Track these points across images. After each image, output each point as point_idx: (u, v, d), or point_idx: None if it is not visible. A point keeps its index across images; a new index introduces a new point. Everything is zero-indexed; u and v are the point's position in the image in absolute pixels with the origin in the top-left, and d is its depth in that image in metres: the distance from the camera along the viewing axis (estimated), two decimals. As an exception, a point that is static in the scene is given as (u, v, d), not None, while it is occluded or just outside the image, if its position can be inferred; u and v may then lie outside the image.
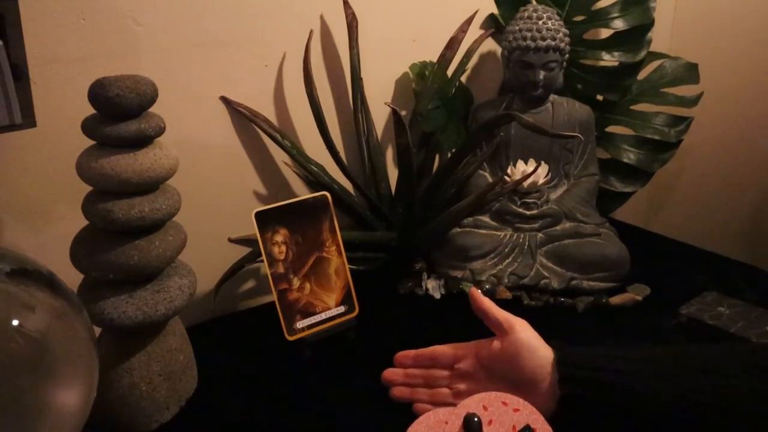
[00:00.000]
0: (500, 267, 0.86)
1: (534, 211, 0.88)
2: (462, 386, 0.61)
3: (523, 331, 0.58)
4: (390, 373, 0.65)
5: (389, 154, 0.98)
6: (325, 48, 0.88)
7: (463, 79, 1.00)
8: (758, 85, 1.11)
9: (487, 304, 0.61)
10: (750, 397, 0.51)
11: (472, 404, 0.52)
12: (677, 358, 0.55)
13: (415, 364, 0.65)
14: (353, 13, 0.86)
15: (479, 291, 0.62)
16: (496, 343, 0.59)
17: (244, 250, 0.82)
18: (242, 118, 0.81)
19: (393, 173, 0.97)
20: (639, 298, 0.83)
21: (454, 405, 0.53)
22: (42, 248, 0.68)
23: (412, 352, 0.65)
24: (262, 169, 0.86)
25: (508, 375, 0.57)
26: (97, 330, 0.59)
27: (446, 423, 0.51)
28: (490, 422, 0.51)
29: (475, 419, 0.50)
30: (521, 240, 0.87)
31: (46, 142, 0.67)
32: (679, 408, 0.51)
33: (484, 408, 0.52)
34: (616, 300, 0.82)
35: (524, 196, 0.89)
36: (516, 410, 0.52)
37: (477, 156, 0.91)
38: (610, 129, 1.03)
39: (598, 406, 0.54)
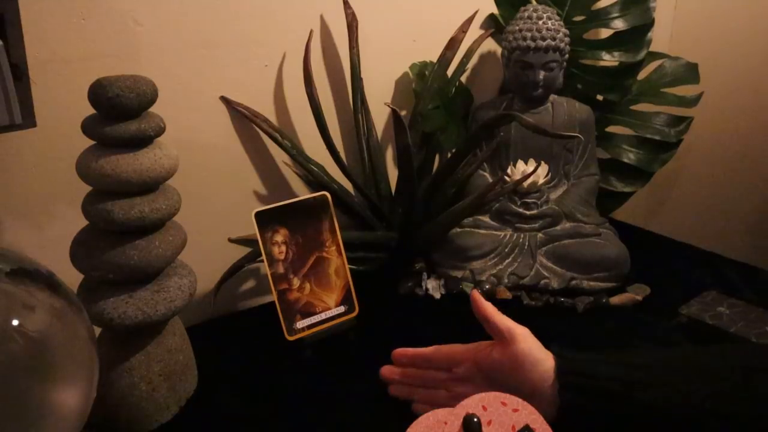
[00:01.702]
0: (500, 267, 0.86)
1: (534, 211, 0.88)
2: (459, 389, 0.60)
3: (524, 342, 0.56)
4: (388, 371, 0.65)
5: (389, 154, 0.98)
6: (325, 48, 0.88)
7: (463, 79, 1.00)
8: (758, 85, 1.11)
9: (489, 310, 0.59)
10: (750, 400, 0.50)
11: (472, 404, 0.52)
12: (677, 364, 0.54)
13: (412, 364, 0.64)
14: (353, 13, 0.86)
15: (480, 295, 0.61)
16: (495, 352, 0.58)
17: (244, 250, 0.82)
18: (242, 118, 0.81)
19: (393, 173, 0.97)
20: (639, 298, 0.83)
21: (452, 407, 0.53)
22: (42, 248, 0.68)
23: (410, 351, 0.65)
24: (262, 169, 0.86)
25: (507, 383, 0.56)
26: (97, 330, 0.59)
27: (445, 423, 0.51)
28: (489, 422, 0.51)
29: (475, 419, 0.50)
30: (521, 240, 0.87)
31: (46, 142, 0.67)
32: (680, 415, 0.51)
33: (484, 408, 0.52)
34: (616, 300, 0.82)
35: (524, 196, 0.89)
36: (515, 410, 0.52)
37: (477, 156, 0.91)
38: (610, 129, 1.02)
39: (598, 413, 0.54)
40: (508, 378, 0.57)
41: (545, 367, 0.55)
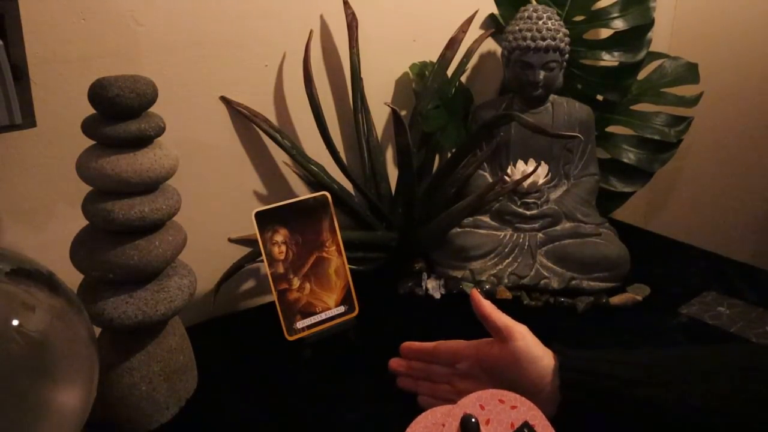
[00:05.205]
0: (500, 267, 0.86)
1: (534, 211, 0.88)
2: (462, 385, 0.61)
3: (522, 339, 0.57)
4: (395, 363, 0.66)
5: (389, 154, 0.98)
6: (325, 48, 0.88)
7: (463, 79, 1.00)
8: (758, 85, 1.11)
9: (488, 308, 0.60)
10: (749, 400, 0.50)
11: (469, 404, 0.51)
12: (677, 363, 0.54)
13: (418, 357, 0.65)
14: (353, 13, 0.86)
15: (479, 294, 0.61)
16: (495, 349, 0.59)
17: (244, 250, 0.82)
18: (242, 118, 0.81)
19: (393, 173, 0.97)
20: (639, 298, 0.83)
21: (454, 401, 0.53)
22: (42, 248, 0.68)
23: (415, 345, 0.66)
24: (262, 169, 0.86)
25: (507, 380, 0.57)
26: (97, 330, 0.59)
27: (443, 425, 0.50)
28: (487, 421, 0.50)
29: (472, 420, 0.50)
30: (521, 240, 0.87)
31: (46, 142, 0.67)
32: (680, 414, 0.51)
33: (481, 407, 0.51)
34: (616, 300, 0.82)
35: (524, 196, 0.89)
36: (513, 407, 0.51)
37: (477, 156, 0.91)
38: (610, 129, 1.02)
39: (598, 411, 0.54)
40: (508, 374, 0.57)
41: (543, 364, 0.56)
